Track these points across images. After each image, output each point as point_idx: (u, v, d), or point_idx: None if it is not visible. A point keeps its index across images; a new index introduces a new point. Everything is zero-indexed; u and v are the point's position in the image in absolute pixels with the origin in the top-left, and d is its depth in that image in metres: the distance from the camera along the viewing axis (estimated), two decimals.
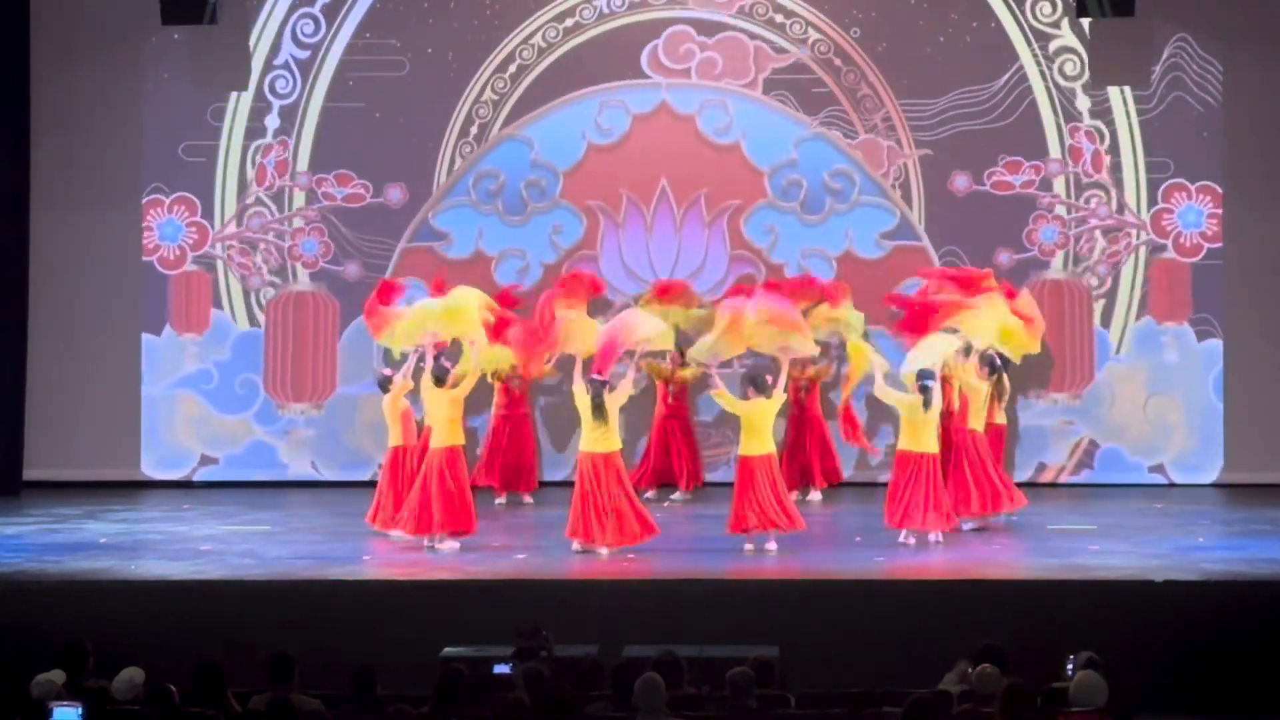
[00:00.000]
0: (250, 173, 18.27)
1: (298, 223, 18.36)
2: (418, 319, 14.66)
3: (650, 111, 18.36)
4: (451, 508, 14.26)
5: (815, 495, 16.73)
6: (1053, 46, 17.96)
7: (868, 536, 14.72)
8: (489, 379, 16.38)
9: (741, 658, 10.07)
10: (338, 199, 18.32)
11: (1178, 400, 18.02)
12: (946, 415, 14.97)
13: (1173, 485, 17.87)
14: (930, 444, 14.38)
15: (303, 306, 18.41)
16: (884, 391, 14.55)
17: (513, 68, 18.22)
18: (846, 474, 17.64)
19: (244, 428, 18.40)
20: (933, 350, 14.57)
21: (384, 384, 15.23)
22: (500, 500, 16.78)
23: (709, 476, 17.83)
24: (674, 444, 17.01)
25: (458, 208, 18.39)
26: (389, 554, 14.29)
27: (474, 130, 18.24)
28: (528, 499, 16.89)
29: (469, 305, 14.59)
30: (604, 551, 13.89)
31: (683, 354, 16.29)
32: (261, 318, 18.39)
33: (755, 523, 14.01)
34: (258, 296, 18.40)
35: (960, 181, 18.06)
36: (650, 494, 16.83)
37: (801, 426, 16.73)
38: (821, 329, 15.74)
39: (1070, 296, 18.09)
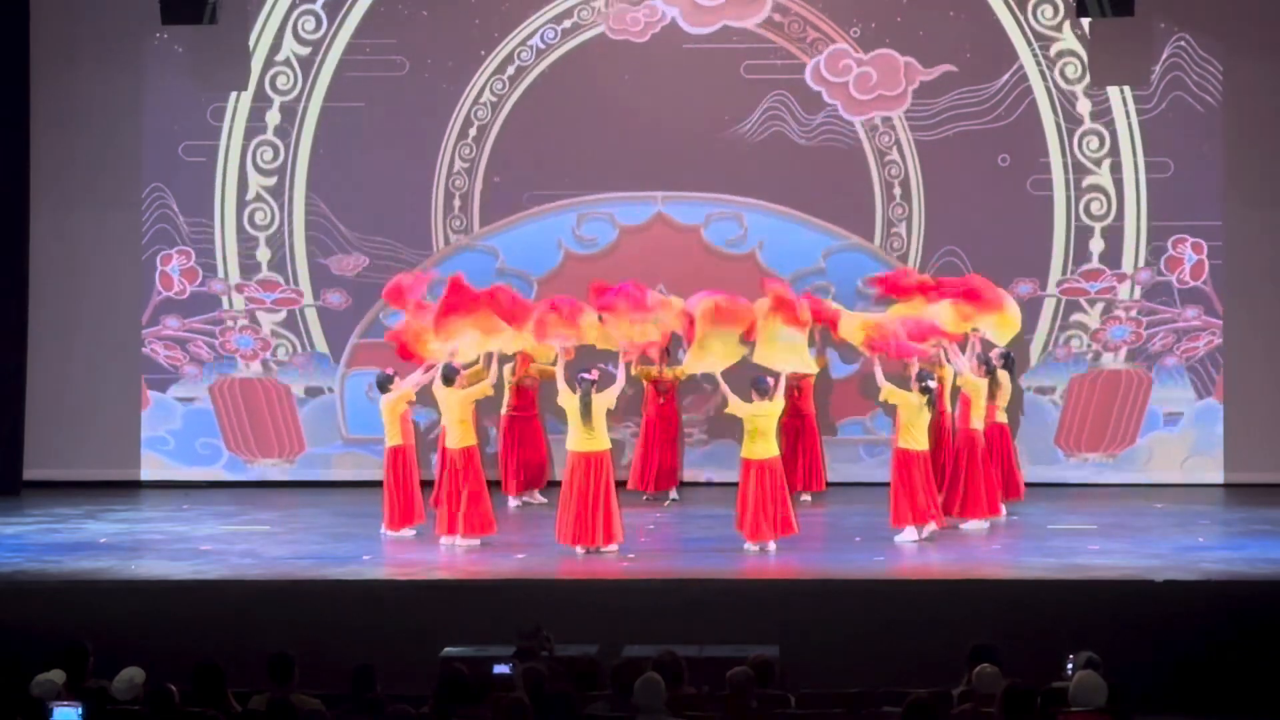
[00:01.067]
0: (248, 186, 18.29)
1: (227, 323, 18.25)
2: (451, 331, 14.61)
3: (643, 224, 18.00)
4: (472, 510, 14.35)
5: (806, 497, 16.66)
6: (1054, 49, 17.95)
7: (868, 536, 14.73)
8: (506, 379, 16.40)
9: (741, 658, 10.08)
10: (266, 302, 18.21)
11: (1218, 457, 17.96)
12: (940, 414, 15.44)
13: (1173, 485, 17.86)
14: (925, 441, 14.67)
15: (250, 390, 18.32)
16: (890, 391, 14.63)
17: (511, 69, 18.21)
18: (850, 476, 17.77)
19: (216, 477, 18.32)
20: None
21: (384, 383, 15.20)
22: (517, 502, 16.70)
23: (710, 477, 17.86)
24: (663, 445, 16.95)
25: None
26: (389, 554, 14.29)
27: (472, 132, 18.21)
28: (540, 498, 16.77)
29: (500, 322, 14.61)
30: (600, 550, 13.93)
31: (668, 354, 16.38)
32: (205, 397, 18.32)
33: (762, 533, 14.07)
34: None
35: (1023, 288, 17.70)
36: (647, 495, 16.82)
37: (796, 425, 16.66)
38: None
39: (1129, 383, 18.02)
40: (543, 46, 18.13)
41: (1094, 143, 18.00)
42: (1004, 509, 15.61)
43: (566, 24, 18.14)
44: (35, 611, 12.47)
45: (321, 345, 18.22)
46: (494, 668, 10.18)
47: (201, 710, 9.22)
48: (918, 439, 14.55)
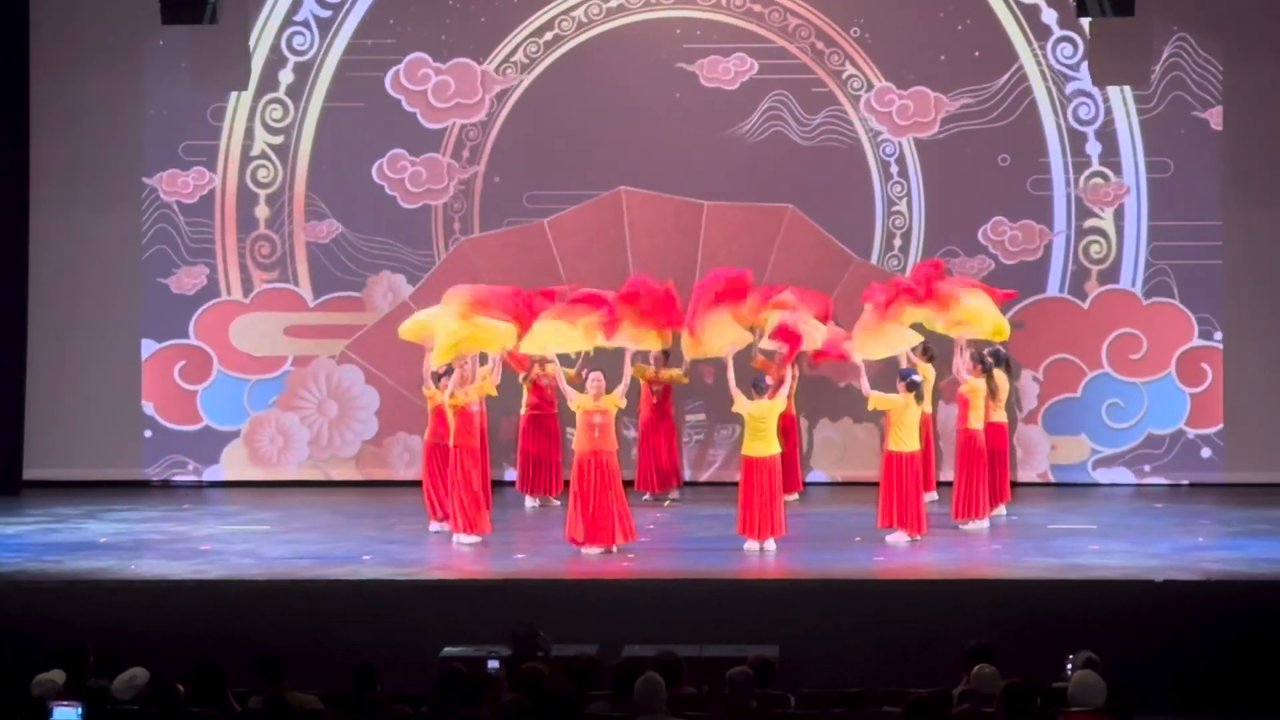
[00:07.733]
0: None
1: None
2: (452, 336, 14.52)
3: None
4: (463, 507, 14.41)
5: (792, 497, 16.63)
6: (1069, 87, 17.93)
7: (867, 536, 14.73)
8: (520, 381, 16.39)
9: (741, 658, 10.09)
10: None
11: (1218, 457, 17.97)
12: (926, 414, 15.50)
13: (1174, 485, 17.86)
14: (915, 443, 14.66)
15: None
16: (877, 398, 14.64)
17: (510, 70, 18.22)
18: (840, 475, 17.86)
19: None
20: (893, 344, 14.86)
21: (433, 381, 15.22)
22: (532, 502, 16.68)
23: (709, 476, 17.86)
24: (660, 444, 16.93)
25: None
26: (389, 554, 14.29)
27: (467, 150, 18.23)
28: (554, 501, 16.61)
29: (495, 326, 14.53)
30: (595, 550, 13.93)
31: (666, 355, 16.36)
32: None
33: (758, 531, 14.07)
34: None
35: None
36: (647, 495, 16.82)
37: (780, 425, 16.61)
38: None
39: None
40: (538, 52, 18.14)
41: (1100, 183, 17.96)
42: (1003, 509, 15.67)
43: (564, 25, 18.17)
44: (35, 611, 12.47)
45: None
46: (488, 664, 10.21)
47: (201, 710, 9.22)
48: (907, 440, 14.54)
